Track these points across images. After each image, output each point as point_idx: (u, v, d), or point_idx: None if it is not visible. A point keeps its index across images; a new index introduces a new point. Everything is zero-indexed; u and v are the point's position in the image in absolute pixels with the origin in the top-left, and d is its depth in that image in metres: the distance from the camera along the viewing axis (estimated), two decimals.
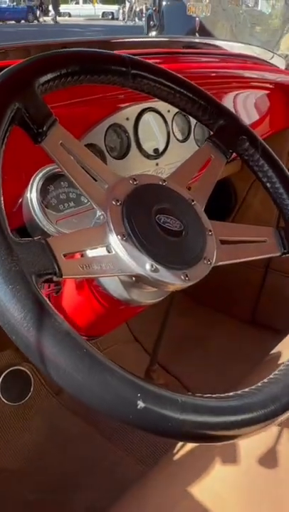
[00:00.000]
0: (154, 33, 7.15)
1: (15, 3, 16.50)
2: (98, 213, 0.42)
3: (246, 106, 1.14)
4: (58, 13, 15.90)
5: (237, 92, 1.11)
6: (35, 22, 15.89)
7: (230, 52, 1.25)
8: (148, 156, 0.78)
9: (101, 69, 0.46)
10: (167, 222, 0.43)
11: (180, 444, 0.68)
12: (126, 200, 0.42)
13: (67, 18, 18.03)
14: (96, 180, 0.43)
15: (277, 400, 0.36)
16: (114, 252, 0.39)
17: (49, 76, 0.42)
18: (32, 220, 0.52)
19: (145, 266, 0.39)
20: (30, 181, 0.53)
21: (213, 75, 1.07)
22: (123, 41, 1.17)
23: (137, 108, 0.75)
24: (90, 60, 0.45)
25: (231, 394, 0.37)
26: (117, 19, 16.51)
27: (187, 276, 0.41)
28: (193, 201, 0.47)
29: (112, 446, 0.97)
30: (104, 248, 0.40)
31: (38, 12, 16.82)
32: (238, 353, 1.26)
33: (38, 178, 0.52)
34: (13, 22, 15.45)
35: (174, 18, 6.64)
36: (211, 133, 0.55)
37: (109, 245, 0.39)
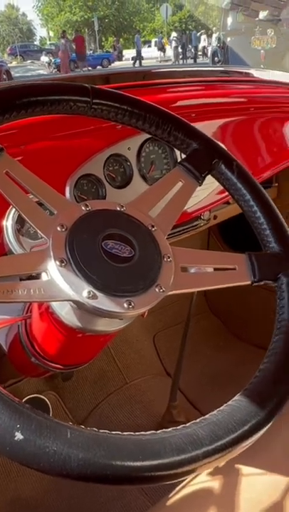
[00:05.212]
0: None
1: (91, 51, 17.84)
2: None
3: (280, 131, 1.11)
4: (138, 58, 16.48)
5: (270, 118, 1.09)
6: (109, 67, 16.96)
7: (263, 79, 1.23)
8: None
9: (61, 100, 0.47)
10: (115, 248, 0.41)
11: (185, 482, 0.64)
12: (72, 226, 0.41)
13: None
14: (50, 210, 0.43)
15: (172, 453, 0.32)
16: (49, 278, 0.39)
17: None
18: (7, 247, 0.53)
19: (82, 292, 0.38)
20: (8, 210, 0.54)
21: (245, 101, 1.06)
22: (163, 71, 1.20)
23: (139, 138, 0.76)
24: (47, 93, 0.46)
25: (148, 433, 0.33)
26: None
27: (131, 303, 0.39)
28: (153, 227, 0.45)
29: None
30: (45, 274, 0.39)
31: (112, 57, 18.02)
32: None
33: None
34: (90, 68, 16.64)
35: (239, 53, 6.71)
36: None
37: (47, 271, 0.39)
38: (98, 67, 16.85)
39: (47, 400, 1.01)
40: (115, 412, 1.11)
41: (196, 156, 0.52)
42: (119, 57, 19.35)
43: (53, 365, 0.54)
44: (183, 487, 0.65)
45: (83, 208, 0.43)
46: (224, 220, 1.07)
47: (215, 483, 0.63)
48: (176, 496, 0.64)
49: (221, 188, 0.89)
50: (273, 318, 0.46)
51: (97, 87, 0.49)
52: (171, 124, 0.52)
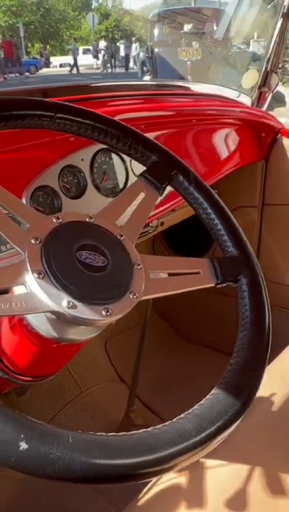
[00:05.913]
0: (147, 78, 7.46)
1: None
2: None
3: (217, 141, 1.17)
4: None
5: (207, 129, 1.15)
6: (37, 73, 16.63)
7: (199, 92, 1.30)
8: (106, 195, 0.79)
9: (25, 115, 0.48)
10: (89, 258, 0.43)
11: (151, 484, 0.66)
12: (46, 239, 0.42)
13: (67, 68, 18.86)
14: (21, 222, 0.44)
15: (166, 446, 0.35)
16: (28, 290, 0.39)
17: None
18: None
19: (61, 303, 0.39)
20: None
21: (184, 113, 1.11)
22: (101, 85, 1.22)
23: (92, 149, 0.77)
24: (12, 108, 0.47)
25: (140, 431, 0.36)
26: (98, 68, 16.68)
27: (109, 311, 0.41)
28: (121, 236, 0.48)
29: (85, 488, 0.94)
30: (23, 287, 0.40)
31: (40, 64, 17.71)
32: None
33: None
34: (17, 75, 16.18)
35: (167, 63, 6.94)
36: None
37: (25, 284, 0.40)
38: (26, 73, 16.45)
39: None
40: (73, 422, 1.10)
41: (156, 168, 0.55)
42: (47, 64, 19.05)
43: (22, 378, 0.54)
44: (150, 488, 0.67)
45: (54, 220, 0.45)
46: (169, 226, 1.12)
47: (181, 480, 0.66)
48: (144, 497, 0.66)
49: (169, 197, 0.93)
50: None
51: (59, 102, 0.50)
52: (131, 137, 0.54)
